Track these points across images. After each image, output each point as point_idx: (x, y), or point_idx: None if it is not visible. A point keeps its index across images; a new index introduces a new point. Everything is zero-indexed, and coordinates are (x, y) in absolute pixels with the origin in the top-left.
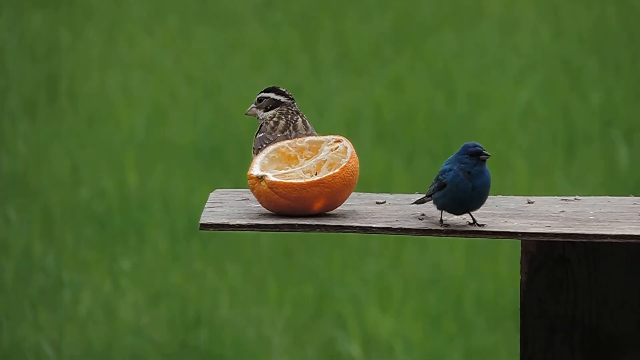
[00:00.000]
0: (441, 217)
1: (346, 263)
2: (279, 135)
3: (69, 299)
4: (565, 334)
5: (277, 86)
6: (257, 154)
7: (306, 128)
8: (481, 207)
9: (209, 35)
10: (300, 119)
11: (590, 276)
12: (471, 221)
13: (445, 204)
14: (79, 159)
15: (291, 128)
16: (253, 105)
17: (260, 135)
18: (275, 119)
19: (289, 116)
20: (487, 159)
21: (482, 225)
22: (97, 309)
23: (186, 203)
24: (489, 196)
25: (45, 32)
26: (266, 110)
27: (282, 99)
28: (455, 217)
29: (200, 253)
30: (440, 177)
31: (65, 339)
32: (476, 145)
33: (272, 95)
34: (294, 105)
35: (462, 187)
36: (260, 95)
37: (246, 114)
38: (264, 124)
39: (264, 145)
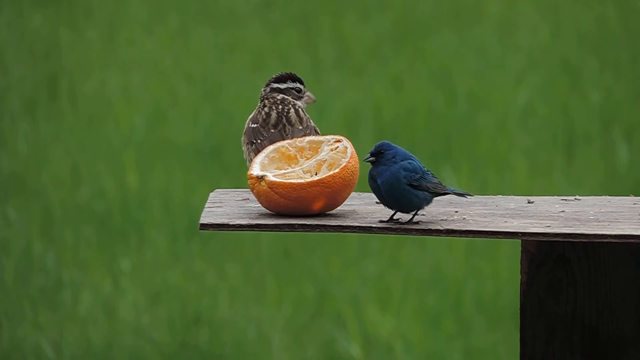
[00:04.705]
0: (392, 215)
1: (346, 263)
2: (272, 130)
3: (69, 299)
4: (565, 334)
5: (292, 73)
6: (247, 144)
7: (300, 120)
8: (481, 208)
9: (208, 35)
10: (292, 110)
11: (590, 276)
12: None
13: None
14: (79, 159)
15: (284, 121)
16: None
17: (254, 126)
18: (266, 110)
19: (280, 107)
20: (372, 161)
21: (417, 222)
22: (97, 309)
23: (186, 203)
24: (488, 196)
25: (46, 32)
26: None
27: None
28: (406, 215)
29: (200, 253)
30: None
31: (65, 339)
32: (376, 146)
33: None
34: (291, 93)
35: (372, 187)
36: (298, 85)
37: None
38: (258, 113)
39: (259, 141)
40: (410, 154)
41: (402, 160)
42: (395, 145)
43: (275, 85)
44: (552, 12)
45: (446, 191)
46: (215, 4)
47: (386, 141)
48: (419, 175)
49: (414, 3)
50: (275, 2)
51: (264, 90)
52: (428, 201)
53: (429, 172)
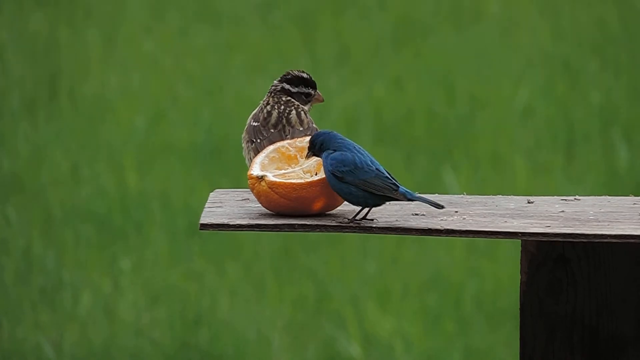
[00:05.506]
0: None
1: (346, 263)
2: (272, 130)
3: (69, 299)
4: (565, 334)
5: (302, 73)
6: (247, 141)
7: (301, 122)
8: (481, 208)
9: (209, 35)
10: (294, 111)
11: (590, 276)
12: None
13: None
14: (79, 159)
15: (284, 122)
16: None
17: (255, 124)
18: (268, 108)
19: (282, 107)
20: (310, 155)
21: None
22: (97, 309)
23: (186, 203)
24: (488, 196)
25: (45, 32)
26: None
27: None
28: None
29: (200, 253)
30: None
31: (65, 339)
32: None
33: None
34: (300, 98)
35: None
36: (309, 91)
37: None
38: (260, 111)
39: (258, 141)
40: (354, 146)
41: (334, 150)
42: (329, 133)
43: (287, 86)
44: (552, 12)
45: (391, 195)
46: (215, 3)
47: (321, 130)
48: (347, 168)
49: (414, 3)
50: (275, 2)
51: (275, 87)
52: (365, 197)
53: (374, 170)
